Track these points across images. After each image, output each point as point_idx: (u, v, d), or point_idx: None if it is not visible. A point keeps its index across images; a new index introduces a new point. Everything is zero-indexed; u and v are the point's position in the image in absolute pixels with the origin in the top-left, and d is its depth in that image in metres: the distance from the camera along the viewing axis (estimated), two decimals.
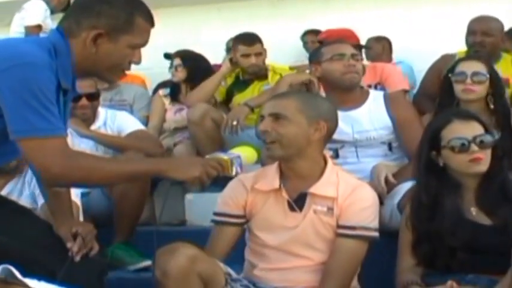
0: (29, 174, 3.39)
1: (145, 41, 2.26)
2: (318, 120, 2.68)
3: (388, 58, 6.21)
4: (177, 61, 5.18)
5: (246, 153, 2.38)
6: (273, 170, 2.77)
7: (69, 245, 2.40)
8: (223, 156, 2.33)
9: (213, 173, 2.25)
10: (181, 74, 5.12)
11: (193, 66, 5.11)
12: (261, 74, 4.78)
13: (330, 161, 2.79)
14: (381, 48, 6.21)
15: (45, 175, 2.03)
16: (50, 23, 6.13)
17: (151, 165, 2.29)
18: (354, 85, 3.52)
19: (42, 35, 5.77)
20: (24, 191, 3.40)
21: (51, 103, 2.02)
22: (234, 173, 2.35)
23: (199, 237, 2.78)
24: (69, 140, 3.89)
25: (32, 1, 6.27)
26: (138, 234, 3.74)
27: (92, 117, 4.13)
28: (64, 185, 2.21)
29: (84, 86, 3.98)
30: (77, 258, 2.38)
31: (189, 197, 4.14)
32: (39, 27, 5.97)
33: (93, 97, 4.11)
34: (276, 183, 2.71)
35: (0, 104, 2.01)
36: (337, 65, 3.50)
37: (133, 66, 5.90)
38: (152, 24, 2.27)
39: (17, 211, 2.50)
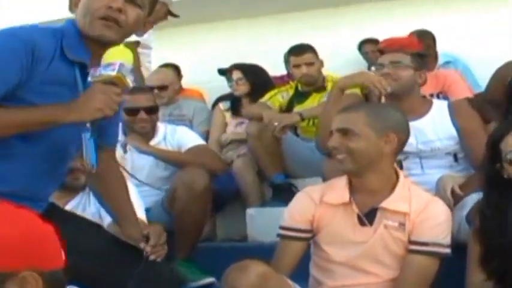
0: None
1: None
2: (387, 133, 2.63)
3: (434, 54, 5.95)
4: (238, 74, 5.16)
5: (123, 56, 2.22)
6: (342, 183, 2.71)
7: (142, 245, 2.37)
8: (110, 73, 2.03)
9: (117, 98, 2.04)
10: (243, 88, 5.10)
11: (254, 80, 5.10)
12: (318, 85, 4.70)
13: (401, 175, 2.72)
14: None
15: None
16: (148, 38, 6.00)
17: (45, 113, 2.02)
18: (390, 92, 3.43)
19: (141, 51, 5.75)
20: (89, 208, 3.36)
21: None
22: (131, 84, 2.11)
23: (262, 253, 2.72)
24: (128, 155, 3.99)
25: None
26: (199, 251, 3.72)
27: (151, 132, 4.10)
28: None
29: (142, 99, 4.00)
30: (152, 257, 2.35)
31: (250, 212, 4.08)
32: (137, 43, 5.81)
33: (152, 111, 4.07)
34: (346, 196, 2.65)
35: None
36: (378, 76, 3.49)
37: (191, 80, 6.01)
38: None
39: (85, 226, 2.49)
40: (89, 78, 2.04)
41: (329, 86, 4.58)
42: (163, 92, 5.08)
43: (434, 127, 3.38)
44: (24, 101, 2.00)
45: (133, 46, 4.56)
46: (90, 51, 2.13)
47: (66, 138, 2.10)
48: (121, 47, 2.03)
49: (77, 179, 3.33)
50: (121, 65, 2.02)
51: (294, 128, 4.50)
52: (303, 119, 4.25)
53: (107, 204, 2.55)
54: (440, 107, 3.49)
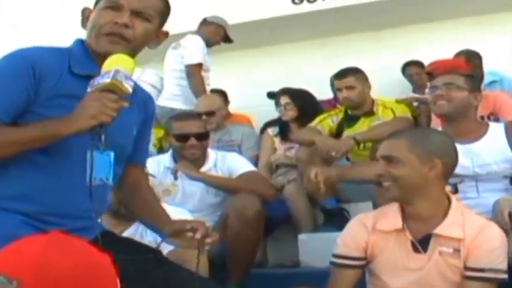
0: None
1: (114, 0, 2.14)
2: (431, 158, 2.61)
3: (480, 74, 5.83)
4: (286, 99, 5.16)
5: (120, 63, 2.01)
6: (394, 209, 2.70)
7: (190, 234, 2.25)
8: (105, 80, 1.95)
9: (112, 104, 1.95)
10: (291, 113, 5.10)
11: (302, 104, 5.09)
12: (366, 109, 4.64)
13: (454, 200, 2.69)
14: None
15: None
16: (208, 60, 6.02)
17: (47, 129, 1.99)
18: (444, 113, 3.42)
19: (203, 74, 5.80)
20: (146, 236, 3.28)
21: (1, 84, 2.02)
22: (130, 89, 1.99)
23: (314, 279, 2.74)
24: (178, 181, 4.01)
25: (188, 37, 6.04)
26: (252, 276, 3.71)
27: (202, 158, 4.10)
28: None
29: (193, 126, 4.03)
30: (208, 241, 2.21)
31: (302, 237, 4.06)
32: (200, 66, 5.84)
33: (203, 137, 4.08)
34: (399, 223, 2.64)
35: None
36: (430, 98, 3.48)
37: (238, 105, 6.03)
38: None
39: (144, 252, 2.45)
40: (88, 89, 1.99)
41: (379, 110, 4.56)
42: (211, 118, 5.10)
43: (491, 150, 3.31)
44: (38, 115, 2.01)
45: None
46: (100, 63, 2.09)
47: (80, 151, 2.05)
48: (120, 57, 2.01)
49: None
50: (116, 72, 1.96)
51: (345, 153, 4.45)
52: (358, 144, 4.20)
53: (141, 216, 2.50)
54: (496, 129, 3.43)
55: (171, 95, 5.91)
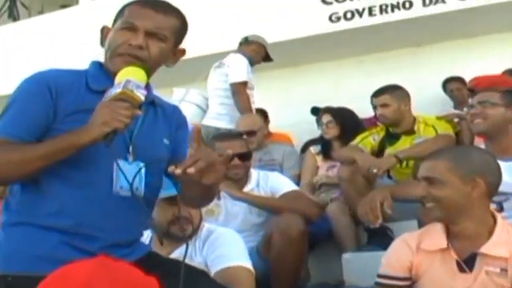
0: (201, 239, 3.31)
1: (131, 21, 2.18)
2: (473, 178, 2.57)
3: None
4: (327, 118, 5.18)
5: (131, 74, 2.05)
6: (438, 228, 2.67)
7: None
8: (116, 90, 1.99)
9: (123, 111, 1.97)
10: (333, 131, 5.12)
11: (344, 122, 5.11)
12: (405, 127, 4.62)
13: (499, 218, 2.66)
14: None
15: None
16: (252, 78, 5.98)
17: (63, 142, 2.01)
18: (480, 132, 3.42)
19: (248, 92, 5.78)
20: (195, 257, 3.26)
21: (19, 109, 2.09)
22: (142, 97, 2.02)
23: None
24: (222, 202, 4.04)
25: (232, 56, 6.02)
26: None
27: (245, 178, 4.13)
28: None
29: (236, 146, 4.05)
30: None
31: (346, 256, 4.04)
32: (245, 84, 5.81)
33: (245, 157, 4.11)
34: (444, 242, 2.61)
35: None
36: (468, 116, 3.48)
37: (278, 124, 6.06)
38: (144, 6, 2.22)
39: (194, 273, 2.45)
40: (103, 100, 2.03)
41: (420, 127, 4.54)
42: (252, 137, 5.13)
43: None
44: (60, 131, 2.05)
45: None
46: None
47: (109, 162, 2.10)
48: (131, 68, 2.06)
49: (184, 230, 3.19)
50: (127, 82, 2.00)
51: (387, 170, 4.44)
52: (400, 162, 4.19)
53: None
54: None
55: (216, 114, 5.88)
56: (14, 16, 10.05)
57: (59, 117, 2.09)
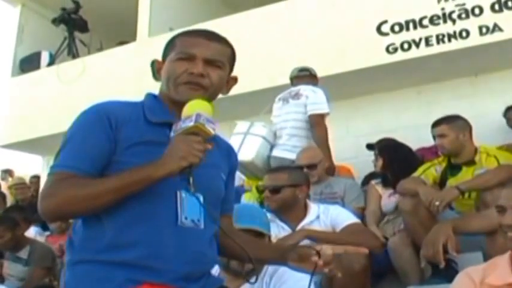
0: (268, 273, 3.30)
1: (191, 50, 2.23)
2: None
3: None
4: (376, 151, 5.21)
5: (200, 108, 2.07)
6: (504, 261, 2.64)
7: (314, 259, 2.26)
8: (188, 124, 2.03)
9: (199, 145, 2.02)
10: (378, 164, 5.15)
11: (389, 155, 5.13)
12: (466, 158, 4.62)
13: None
14: None
15: (40, 212, 2.04)
16: None
17: (137, 174, 2.04)
18: None
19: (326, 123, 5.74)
20: None
21: (81, 141, 2.09)
22: (212, 131, 2.06)
23: None
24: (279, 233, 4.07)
25: (308, 88, 5.93)
26: None
27: (302, 212, 4.19)
28: (62, 219, 2.10)
29: (268, 179, 4.19)
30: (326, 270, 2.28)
31: None
32: (325, 116, 5.76)
33: (276, 190, 4.19)
34: (509, 277, 2.57)
35: None
36: None
37: (338, 156, 6.07)
38: (196, 35, 2.29)
39: None
40: (171, 134, 2.07)
41: (482, 157, 4.51)
42: (313, 170, 5.14)
43: None
44: (122, 164, 2.07)
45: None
46: (175, 112, 2.19)
47: (171, 194, 2.13)
48: (198, 102, 2.11)
49: (243, 265, 3.16)
50: (198, 116, 2.03)
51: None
52: (462, 193, 4.16)
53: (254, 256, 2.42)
54: None
55: (291, 146, 5.74)
56: (73, 53, 10.31)
57: (119, 149, 2.10)
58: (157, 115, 2.21)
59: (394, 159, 5.11)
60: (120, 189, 2.02)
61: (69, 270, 2.10)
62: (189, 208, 2.13)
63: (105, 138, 2.09)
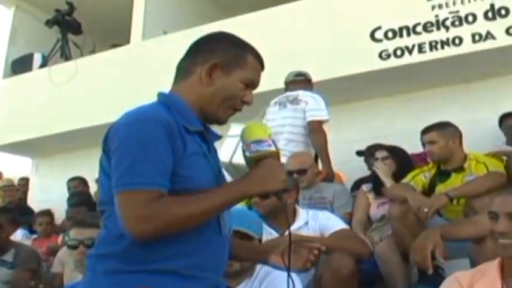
0: (258, 279, 3.35)
1: (257, 80, 2.27)
2: None
3: None
4: (383, 153, 5.22)
5: (266, 132, 2.21)
6: (493, 268, 2.63)
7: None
8: (268, 149, 2.14)
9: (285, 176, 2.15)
10: (389, 167, 5.13)
11: (400, 160, 5.12)
12: (455, 164, 4.63)
13: None
14: None
15: (128, 230, 1.94)
16: None
17: (234, 191, 2.09)
18: None
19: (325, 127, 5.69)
20: None
21: (157, 155, 1.98)
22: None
23: None
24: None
25: (309, 93, 5.86)
26: None
27: (291, 217, 4.14)
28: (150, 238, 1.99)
29: None
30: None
31: None
32: (323, 122, 5.70)
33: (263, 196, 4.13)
34: (498, 283, 2.57)
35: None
36: None
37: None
38: (262, 65, 2.30)
39: None
40: (246, 153, 2.15)
41: (472, 165, 4.51)
42: (303, 175, 5.11)
43: None
44: (180, 177, 2.03)
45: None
46: (200, 120, 2.21)
47: None
48: (258, 124, 2.21)
49: (231, 265, 3.17)
50: (274, 141, 2.16)
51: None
52: (451, 200, 4.16)
53: (242, 256, 2.66)
54: None
55: (288, 152, 5.58)
56: (66, 55, 10.29)
57: (177, 161, 2.05)
58: (193, 124, 2.17)
59: (405, 165, 5.10)
60: (221, 206, 2.07)
61: (109, 278, 2.04)
62: (225, 218, 2.19)
63: (171, 150, 2.03)
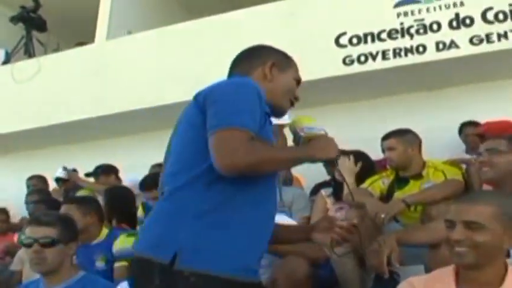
0: None
1: (300, 79, 2.76)
2: None
3: None
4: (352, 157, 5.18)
5: (312, 120, 2.65)
6: (448, 274, 2.63)
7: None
8: (318, 132, 2.60)
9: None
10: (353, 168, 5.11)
11: (363, 165, 5.11)
12: (413, 171, 4.65)
13: (510, 267, 2.61)
14: None
15: (223, 162, 2.18)
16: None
17: (304, 152, 2.47)
18: (488, 180, 3.48)
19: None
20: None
21: (253, 108, 2.32)
22: None
23: None
24: None
25: None
26: None
27: None
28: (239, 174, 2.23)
29: None
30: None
31: None
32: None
33: None
34: None
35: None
36: (476, 164, 3.62)
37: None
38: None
39: None
40: (301, 133, 2.57)
41: (430, 172, 4.53)
42: None
43: None
44: (262, 138, 2.33)
45: None
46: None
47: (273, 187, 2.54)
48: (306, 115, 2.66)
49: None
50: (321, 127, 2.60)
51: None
52: (408, 206, 4.17)
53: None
54: None
55: None
56: (29, 52, 10.19)
57: (261, 125, 2.36)
58: (265, 106, 2.47)
59: (367, 169, 5.10)
60: (297, 160, 2.45)
61: (200, 222, 2.22)
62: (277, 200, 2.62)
63: (259, 113, 2.35)
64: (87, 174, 7.79)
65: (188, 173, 2.29)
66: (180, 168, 2.33)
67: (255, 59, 2.69)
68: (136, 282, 2.27)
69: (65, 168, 7.88)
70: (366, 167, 5.10)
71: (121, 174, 7.69)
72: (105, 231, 5.12)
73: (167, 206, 2.32)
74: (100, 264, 4.89)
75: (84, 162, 8.06)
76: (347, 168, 4.87)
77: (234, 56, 2.80)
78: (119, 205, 5.95)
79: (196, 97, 2.40)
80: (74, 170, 7.93)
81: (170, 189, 2.33)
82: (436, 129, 6.70)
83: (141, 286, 2.24)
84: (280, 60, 2.70)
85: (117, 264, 4.75)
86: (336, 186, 5.17)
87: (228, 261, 2.20)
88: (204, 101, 2.33)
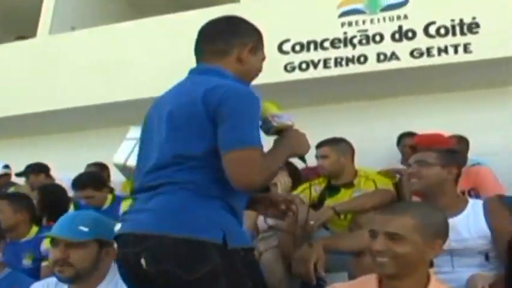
0: None
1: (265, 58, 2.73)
2: (434, 239, 2.59)
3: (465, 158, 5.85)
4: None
5: (279, 107, 2.66)
6: (372, 281, 2.66)
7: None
8: (287, 122, 2.63)
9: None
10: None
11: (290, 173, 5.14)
12: (345, 180, 4.69)
13: (433, 276, 2.66)
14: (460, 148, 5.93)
15: (245, 184, 2.30)
16: None
17: (288, 150, 2.54)
18: (416, 191, 3.52)
19: None
20: None
21: (257, 123, 2.40)
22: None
23: None
24: None
25: None
26: None
27: None
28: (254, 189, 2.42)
29: None
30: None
31: None
32: None
33: None
34: None
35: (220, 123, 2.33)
36: (405, 175, 3.65)
37: None
38: None
39: None
40: (273, 122, 2.59)
41: (361, 181, 4.57)
42: None
43: (468, 225, 3.36)
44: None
45: None
46: None
47: None
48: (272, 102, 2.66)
49: None
50: (288, 117, 2.63)
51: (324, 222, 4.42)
52: (338, 214, 4.17)
53: None
54: (475, 205, 3.47)
55: None
56: None
57: None
58: None
59: (297, 177, 5.10)
60: (282, 162, 2.56)
61: (214, 207, 2.37)
62: None
63: None
64: (18, 174, 7.62)
65: (199, 162, 2.36)
66: (187, 159, 2.37)
67: (234, 37, 2.62)
68: (189, 261, 2.26)
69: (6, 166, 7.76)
70: (293, 174, 5.11)
71: (55, 173, 7.54)
72: (34, 229, 5.03)
73: (190, 193, 2.36)
74: (27, 262, 4.80)
75: (17, 159, 7.88)
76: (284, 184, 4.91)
77: (206, 24, 2.77)
78: (51, 203, 5.85)
79: (204, 99, 2.37)
80: (7, 166, 7.78)
81: (185, 179, 2.36)
82: (375, 138, 6.79)
83: (197, 265, 2.25)
84: (256, 42, 2.66)
85: (44, 263, 4.66)
86: (264, 190, 5.17)
87: (241, 236, 2.47)
88: (215, 109, 2.34)
